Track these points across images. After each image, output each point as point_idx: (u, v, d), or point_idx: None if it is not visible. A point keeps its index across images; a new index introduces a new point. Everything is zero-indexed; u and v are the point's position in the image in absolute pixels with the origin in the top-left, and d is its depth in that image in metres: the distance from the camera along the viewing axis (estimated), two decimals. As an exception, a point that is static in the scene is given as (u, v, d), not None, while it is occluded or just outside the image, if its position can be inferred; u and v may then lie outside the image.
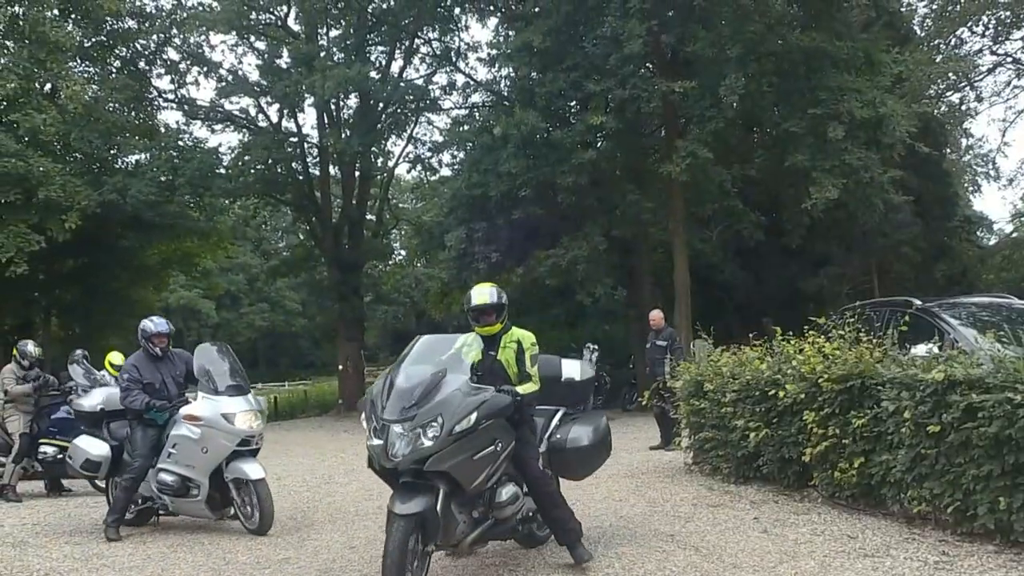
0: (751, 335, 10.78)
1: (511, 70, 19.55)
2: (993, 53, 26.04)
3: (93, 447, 8.78)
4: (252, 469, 8.11)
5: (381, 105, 26.49)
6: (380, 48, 26.78)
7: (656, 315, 13.90)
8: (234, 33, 27.26)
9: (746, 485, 9.15)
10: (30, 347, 11.71)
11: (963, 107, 28.85)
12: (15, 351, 11.76)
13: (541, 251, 19.36)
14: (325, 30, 26.88)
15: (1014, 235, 39.31)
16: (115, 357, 14.20)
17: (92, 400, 9.57)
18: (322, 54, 24.40)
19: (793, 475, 8.59)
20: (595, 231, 18.93)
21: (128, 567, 7.00)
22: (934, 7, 24.78)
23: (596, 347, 20.10)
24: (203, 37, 27.35)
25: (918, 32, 26.71)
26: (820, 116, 17.27)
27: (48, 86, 24.82)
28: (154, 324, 8.66)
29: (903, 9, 25.36)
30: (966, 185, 40.35)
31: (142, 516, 8.77)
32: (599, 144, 18.55)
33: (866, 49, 18.82)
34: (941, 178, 30.03)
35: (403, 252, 45.69)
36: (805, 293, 28.11)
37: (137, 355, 8.62)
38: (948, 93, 27.94)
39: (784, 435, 8.50)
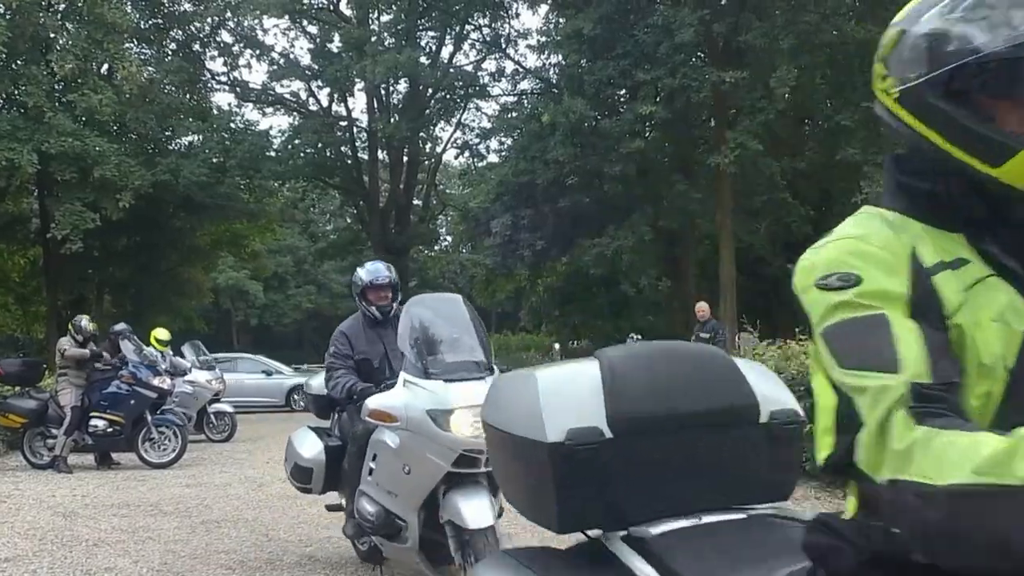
0: (796, 330, 10.73)
1: (560, 57, 19.42)
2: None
3: (306, 447, 5.94)
4: (476, 509, 4.56)
5: (430, 91, 26.53)
6: (430, 34, 26.82)
7: (702, 306, 13.81)
8: (287, 17, 27.46)
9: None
10: (84, 322, 11.85)
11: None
12: (70, 326, 11.97)
13: (587, 240, 19.28)
14: (376, 15, 26.97)
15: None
16: (161, 333, 14.49)
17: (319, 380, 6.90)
18: (373, 39, 24.50)
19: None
20: (641, 221, 18.84)
21: (174, 540, 7.15)
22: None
23: (640, 337, 20.20)
24: (256, 20, 27.62)
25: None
26: (873, 109, 16.83)
27: (105, 67, 25.18)
28: (367, 272, 5.72)
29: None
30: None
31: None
32: (647, 134, 18.41)
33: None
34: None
35: (449, 238, 45.79)
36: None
37: (350, 320, 5.81)
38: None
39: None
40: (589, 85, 18.37)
